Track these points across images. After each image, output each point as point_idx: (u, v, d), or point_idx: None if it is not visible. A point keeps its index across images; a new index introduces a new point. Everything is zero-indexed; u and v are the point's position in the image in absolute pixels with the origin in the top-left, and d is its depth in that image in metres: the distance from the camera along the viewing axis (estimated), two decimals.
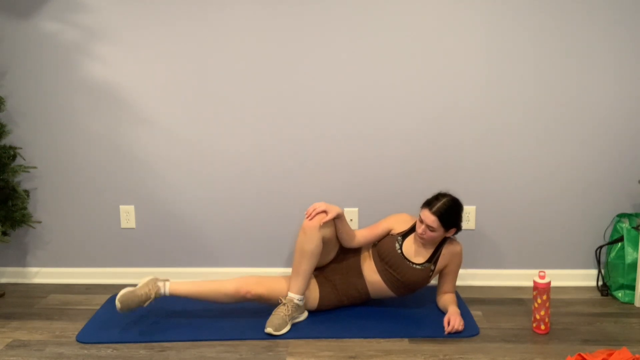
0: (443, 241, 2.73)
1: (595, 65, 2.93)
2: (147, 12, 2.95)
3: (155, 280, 2.63)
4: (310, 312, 2.74)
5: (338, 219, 2.67)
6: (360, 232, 2.79)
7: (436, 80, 2.97)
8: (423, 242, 2.68)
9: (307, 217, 2.63)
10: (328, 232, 2.66)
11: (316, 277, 2.77)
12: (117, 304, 2.52)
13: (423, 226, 2.64)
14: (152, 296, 2.57)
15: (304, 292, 2.65)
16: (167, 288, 2.62)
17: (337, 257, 2.81)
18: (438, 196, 2.69)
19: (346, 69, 2.98)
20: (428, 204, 2.67)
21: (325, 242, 2.66)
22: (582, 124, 2.99)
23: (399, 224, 2.80)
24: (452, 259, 2.73)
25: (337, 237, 2.74)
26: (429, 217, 2.63)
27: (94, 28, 2.98)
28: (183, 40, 2.98)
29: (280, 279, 2.71)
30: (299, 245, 2.63)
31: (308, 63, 2.98)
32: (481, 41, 2.93)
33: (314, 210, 2.64)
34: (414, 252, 2.72)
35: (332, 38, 2.95)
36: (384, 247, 2.74)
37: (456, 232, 2.72)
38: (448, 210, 2.64)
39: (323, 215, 2.63)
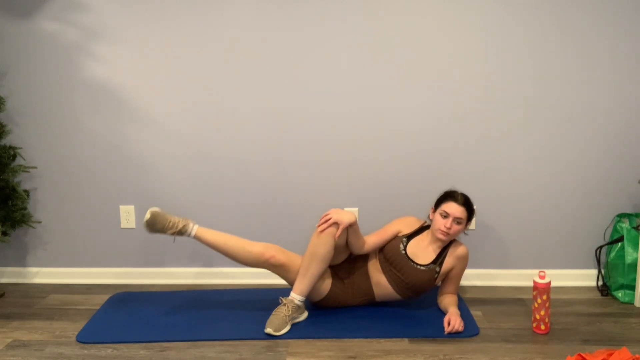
0: (449, 243, 2.73)
1: (595, 66, 2.93)
2: (147, 12, 2.95)
3: (188, 220, 2.67)
4: (311, 310, 2.74)
5: (350, 227, 2.63)
6: (370, 239, 2.76)
7: (437, 81, 2.97)
8: (446, 238, 2.67)
9: (319, 228, 2.59)
10: (342, 238, 2.64)
11: (331, 272, 2.76)
12: (147, 214, 2.58)
13: (450, 220, 2.64)
14: (179, 227, 2.62)
15: (306, 294, 2.64)
16: (194, 230, 2.65)
17: (347, 258, 2.80)
18: (452, 192, 2.73)
19: (346, 69, 2.98)
20: (451, 197, 2.69)
21: (337, 246, 2.64)
22: (582, 124, 2.99)
23: (406, 226, 2.80)
24: (458, 262, 2.73)
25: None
26: (458, 209, 2.65)
27: (94, 28, 2.98)
28: (183, 41, 2.98)
29: (300, 259, 2.68)
30: (311, 248, 2.61)
31: (308, 63, 2.98)
32: (482, 43, 2.93)
33: (325, 221, 2.59)
34: (419, 253, 2.71)
35: (332, 38, 2.95)
36: (389, 248, 2.74)
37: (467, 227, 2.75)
38: (469, 201, 2.71)
39: (333, 230, 2.58)
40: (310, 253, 2.61)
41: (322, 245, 2.59)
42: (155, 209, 2.63)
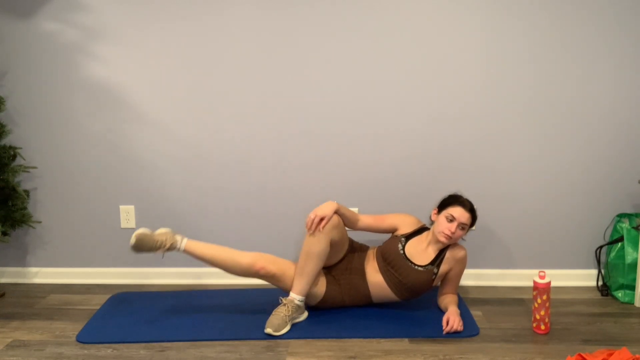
0: (448, 245, 2.73)
1: (595, 66, 2.93)
2: (147, 12, 2.95)
3: (175, 233, 2.66)
4: (310, 311, 2.74)
5: (337, 213, 2.64)
6: (365, 218, 2.79)
7: (437, 81, 2.97)
8: (447, 242, 2.67)
9: (309, 231, 2.59)
10: (336, 233, 2.64)
11: (325, 274, 2.76)
12: (133, 238, 2.56)
13: (455, 224, 2.64)
14: (167, 245, 2.60)
15: (305, 294, 2.64)
16: (183, 244, 2.64)
17: (344, 258, 2.80)
18: (459, 196, 2.73)
19: (347, 70, 2.98)
20: (459, 202, 2.69)
21: (333, 243, 2.64)
22: (582, 124, 2.99)
23: (406, 225, 2.80)
24: (456, 264, 2.73)
25: (345, 239, 2.73)
26: (465, 215, 2.65)
27: (94, 28, 2.98)
28: (183, 40, 2.98)
29: (293, 265, 2.69)
30: (306, 247, 2.62)
31: (309, 64, 2.98)
32: (482, 43, 2.93)
33: (312, 223, 2.59)
34: (417, 254, 2.71)
35: (333, 39, 2.95)
36: (387, 248, 2.74)
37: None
38: (474, 208, 2.72)
39: (324, 222, 2.59)
40: (305, 252, 2.62)
41: (316, 243, 2.60)
42: (140, 230, 2.61)
